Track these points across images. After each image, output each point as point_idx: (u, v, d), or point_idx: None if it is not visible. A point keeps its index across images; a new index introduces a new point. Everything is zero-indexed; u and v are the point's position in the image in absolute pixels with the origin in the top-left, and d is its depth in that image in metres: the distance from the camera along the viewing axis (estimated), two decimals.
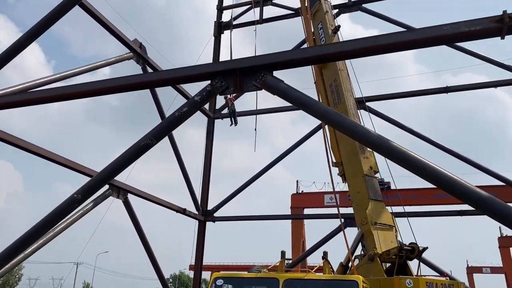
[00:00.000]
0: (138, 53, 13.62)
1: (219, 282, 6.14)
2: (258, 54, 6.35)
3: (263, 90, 5.94)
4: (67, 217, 10.96)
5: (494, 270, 49.71)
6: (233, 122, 14.68)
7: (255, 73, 5.92)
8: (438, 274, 11.43)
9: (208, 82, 6.19)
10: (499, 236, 40.59)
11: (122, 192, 12.67)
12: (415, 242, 8.69)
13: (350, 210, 10.70)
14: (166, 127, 6.32)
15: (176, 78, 6.45)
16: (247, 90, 6.02)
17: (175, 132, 15.51)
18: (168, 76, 6.44)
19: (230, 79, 6.07)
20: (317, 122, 15.97)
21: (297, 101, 5.63)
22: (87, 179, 11.92)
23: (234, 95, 14.89)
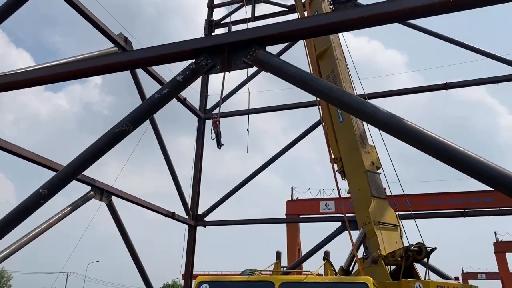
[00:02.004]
0: (123, 47, 12.88)
1: (204, 287, 5.33)
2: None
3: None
4: (44, 221, 10.36)
5: (489, 276, 49.38)
6: (218, 144, 13.86)
7: (245, 48, 5.21)
8: (441, 279, 10.73)
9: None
10: (495, 241, 40.18)
11: (105, 194, 11.84)
12: (422, 242, 7.95)
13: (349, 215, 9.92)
14: (144, 111, 5.57)
15: (155, 57, 5.68)
16: (236, 68, 5.31)
17: (165, 138, 14.84)
18: (146, 55, 5.68)
19: (217, 56, 5.36)
20: (309, 124, 15.38)
21: (294, 78, 4.92)
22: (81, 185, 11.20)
23: (219, 117, 14.18)
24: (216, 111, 14.98)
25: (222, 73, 12.43)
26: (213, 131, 13.67)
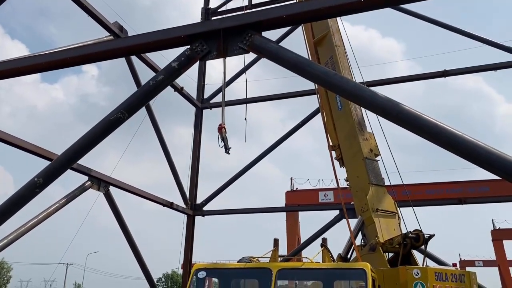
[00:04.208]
0: (118, 36, 12.73)
1: (201, 274, 5.30)
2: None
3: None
4: (41, 211, 10.33)
5: (486, 263, 49.79)
6: (226, 149, 13.58)
7: (241, 33, 5.14)
8: (439, 266, 10.76)
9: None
10: (492, 229, 40.42)
11: (103, 184, 11.77)
12: (419, 229, 7.94)
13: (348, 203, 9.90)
14: (139, 99, 5.50)
15: (150, 44, 5.60)
16: (232, 54, 5.23)
17: (163, 128, 14.74)
18: (141, 41, 5.60)
19: (213, 42, 5.28)
20: (307, 112, 15.30)
21: (291, 63, 4.86)
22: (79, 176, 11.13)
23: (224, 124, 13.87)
24: (219, 102, 14.59)
25: (223, 68, 12.29)
26: (219, 138, 13.33)
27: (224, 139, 13.08)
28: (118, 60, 12.24)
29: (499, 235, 38.38)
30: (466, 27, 14.64)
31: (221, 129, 13.18)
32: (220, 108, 14.34)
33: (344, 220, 12.71)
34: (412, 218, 8.79)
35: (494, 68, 14.47)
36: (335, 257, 8.39)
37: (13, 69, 6.36)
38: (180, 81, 15.44)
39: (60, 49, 10.16)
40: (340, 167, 9.14)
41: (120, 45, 5.80)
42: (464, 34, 14.56)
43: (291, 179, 29.93)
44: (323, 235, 13.19)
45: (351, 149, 8.84)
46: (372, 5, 4.78)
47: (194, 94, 16.93)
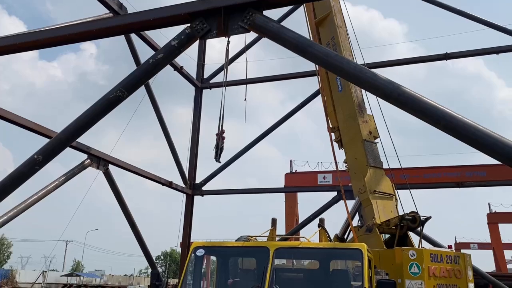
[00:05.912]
0: (118, 13, 12.53)
1: (200, 252, 5.39)
2: None
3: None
4: (41, 188, 10.38)
5: (481, 246, 50.50)
6: (216, 156, 12.92)
7: (242, 12, 5.07)
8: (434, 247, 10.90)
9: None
10: (488, 212, 40.89)
11: (102, 162, 11.79)
12: (416, 211, 8.02)
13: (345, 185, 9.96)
14: (139, 77, 5.46)
15: (149, 21, 5.53)
16: (232, 33, 5.18)
17: (163, 108, 14.66)
18: (140, 19, 5.53)
19: (213, 20, 5.22)
20: (307, 93, 15.24)
21: (291, 43, 4.81)
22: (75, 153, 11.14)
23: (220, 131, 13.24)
24: (219, 82, 14.38)
25: (225, 53, 12.02)
26: (216, 143, 12.68)
27: (219, 146, 12.32)
28: (117, 39, 12.10)
29: (494, 219, 38.89)
30: (469, 9, 14.47)
31: (218, 136, 12.52)
32: (220, 96, 14.13)
33: (341, 202, 12.85)
34: (410, 201, 8.87)
35: (496, 51, 14.35)
36: (332, 238, 8.50)
37: (11, 45, 6.29)
38: (179, 60, 15.32)
39: (59, 26, 10.05)
40: (339, 149, 9.17)
41: (120, 23, 5.73)
42: (467, 16, 14.37)
43: (291, 161, 30.02)
44: (321, 216, 13.34)
45: (350, 131, 8.85)
46: None
47: (194, 74, 16.82)
